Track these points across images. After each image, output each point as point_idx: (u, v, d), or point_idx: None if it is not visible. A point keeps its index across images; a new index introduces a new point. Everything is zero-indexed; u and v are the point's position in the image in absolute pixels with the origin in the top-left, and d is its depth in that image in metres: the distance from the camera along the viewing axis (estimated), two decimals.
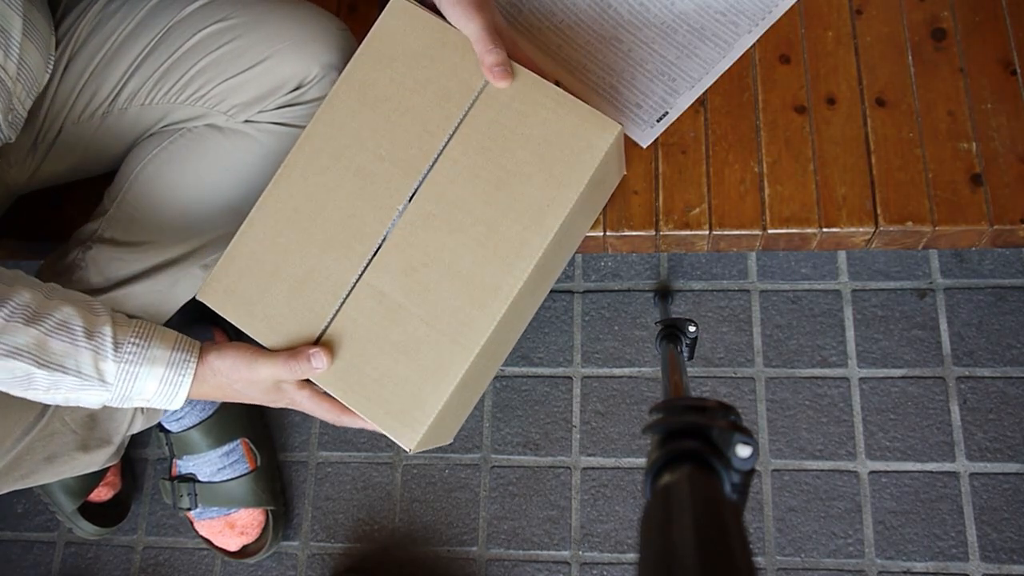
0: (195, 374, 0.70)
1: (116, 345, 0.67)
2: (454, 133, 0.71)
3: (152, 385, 0.69)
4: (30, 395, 0.67)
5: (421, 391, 0.68)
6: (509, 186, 0.70)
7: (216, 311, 0.73)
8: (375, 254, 0.71)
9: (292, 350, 0.70)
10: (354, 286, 0.71)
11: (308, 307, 0.71)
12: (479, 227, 0.69)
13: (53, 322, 0.65)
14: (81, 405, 0.69)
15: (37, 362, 0.65)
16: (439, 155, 0.71)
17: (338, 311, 0.70)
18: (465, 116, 0.71)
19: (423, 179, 0.71)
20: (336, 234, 0.72)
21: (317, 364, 0.69)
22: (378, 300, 0.70)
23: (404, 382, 0.68)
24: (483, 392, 0.83)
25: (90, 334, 0.66)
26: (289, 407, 0.75)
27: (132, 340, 0.68)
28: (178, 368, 0.69)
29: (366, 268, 0.71)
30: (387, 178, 0.72)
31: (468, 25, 0.71)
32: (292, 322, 0.71)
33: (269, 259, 0.73)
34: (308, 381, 0.72)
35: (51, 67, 0.79)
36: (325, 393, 0.72)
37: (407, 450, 0.68)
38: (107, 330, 0.67)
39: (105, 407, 0.86)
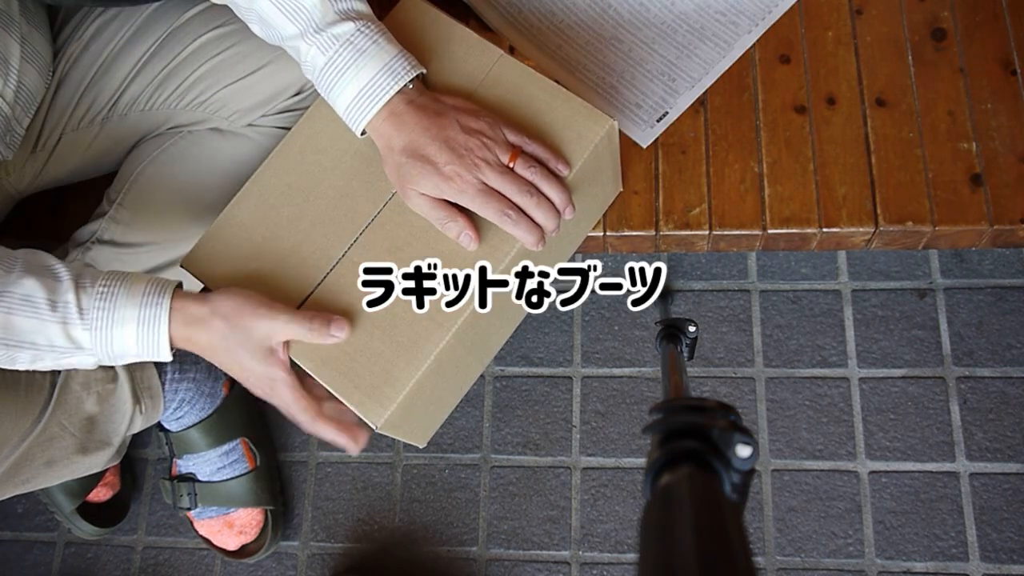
0: (170, 318, 0.65)
1: (81, 312, 0.64)
2: None
3: (130, 344, 0.65)
4: (17, 367, 0.66)
5: (394, 367, 0.67)
6: None
7: (196, 278, 0.73)
8: (362, 232, 0.71)
9: (312, 311, 0.67)
10: (338, 262, 0.71)
11: (290, 279, 0.71)
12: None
13: (15, 299, 0.63)
14: (76, 368, 0.67)
15: (7, 343, 0.63)
16: None
17: (319, 285, 0.70)
18: None
19: None
20: (328, 211, 0.72)
21: (336, 331, 0.67)
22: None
23: (377, 357, 0.68)
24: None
25: (54, 305, 0.63)
26: (268, 395, 0.70)
27: (96, 304, 0.64)
28: (150, 325, 0.65)
29: (352, 245, 0.71)
30: None
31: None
32: (272, 294, 0.70)
33: (257, 231, 0.73)
34: (296, 370, 0.71)
35: (50, 81, 0.79)
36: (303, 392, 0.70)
37: (374, 427, 0.67)
38: (70, 297, 0.64)
39: (102, 408, 0.86)
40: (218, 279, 0.72)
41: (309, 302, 0.70)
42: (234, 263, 0.72)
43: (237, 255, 0.72)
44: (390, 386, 0.67)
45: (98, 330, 0.64)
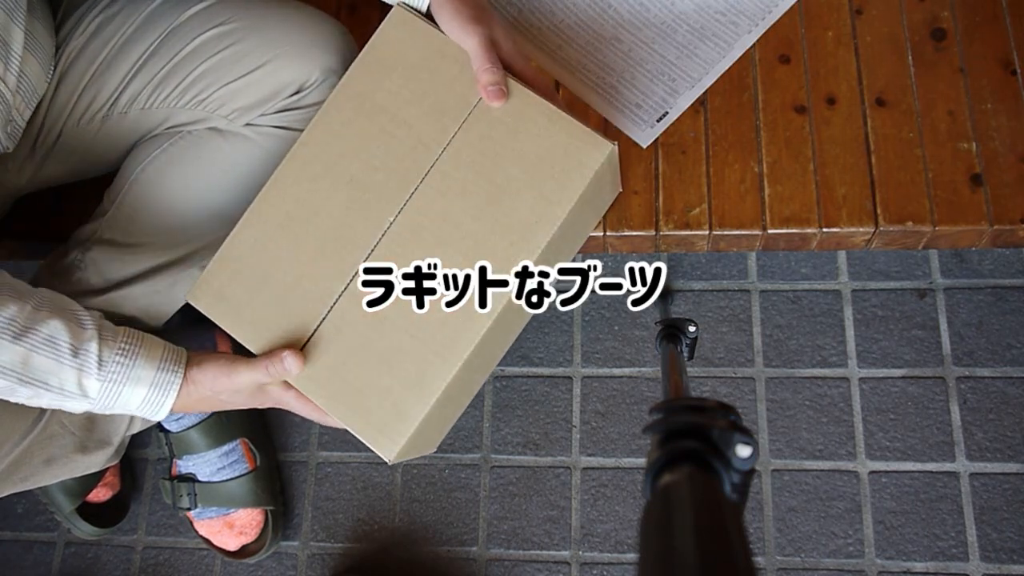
0: (179, 392, 0.69)
1: (100, 363, 0.66)
2: (447, 146, 0.71)
3: (135, 402, 0.68)
4: (12, 400, 0.67)
5: (402, 403, 0.68)
6: (498, 201, 0.69)
7: (206, 315, 0.73)
8: (362, 263, 0.71)
9: (268, 353, 0.70)
10: (341, 295, 0.70)
11: (296, 313, 0.71)
12: (467, 241, 0.69)
13: (39, 338, 0.64)
14: (64, 410, 0.69)
15: (20, 379, 0.64)
16: (431, 168, 0.71)
17: (324, 319, 0.70)
18: (459, 130, 0.71)
19: (414, 191, 0.71)
20: (327, 242, 0.72)
21: (290, 367, 0.69)
22: (364, 310, 0.70)
23: (386, 393, 0.68)
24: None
25: (76, 351, 0.65)
26: (278, 407, 0.74)
27: (117, 359, 0.67)
28: (162, 389, 0.68)
29: (354, 277, 0.71)
30: (379, 189, 0.71)
31: (466, 40, 0.70)
32: (279, 328, 0.71)
33: (259, 264, 0.72)
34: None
35: (51, 76, 0.79)
36: None
37: (387, 461, 0.68)
38: (92, 347, 0.66)
39: None
40: (225, 315, 0.73)
41: (315, 339, 0.70)
42: (239, 299, 0.72)
43: (241, 291, 0.72)
44: (400, 421, 0.67)
45: (112, 383, 0.67)
